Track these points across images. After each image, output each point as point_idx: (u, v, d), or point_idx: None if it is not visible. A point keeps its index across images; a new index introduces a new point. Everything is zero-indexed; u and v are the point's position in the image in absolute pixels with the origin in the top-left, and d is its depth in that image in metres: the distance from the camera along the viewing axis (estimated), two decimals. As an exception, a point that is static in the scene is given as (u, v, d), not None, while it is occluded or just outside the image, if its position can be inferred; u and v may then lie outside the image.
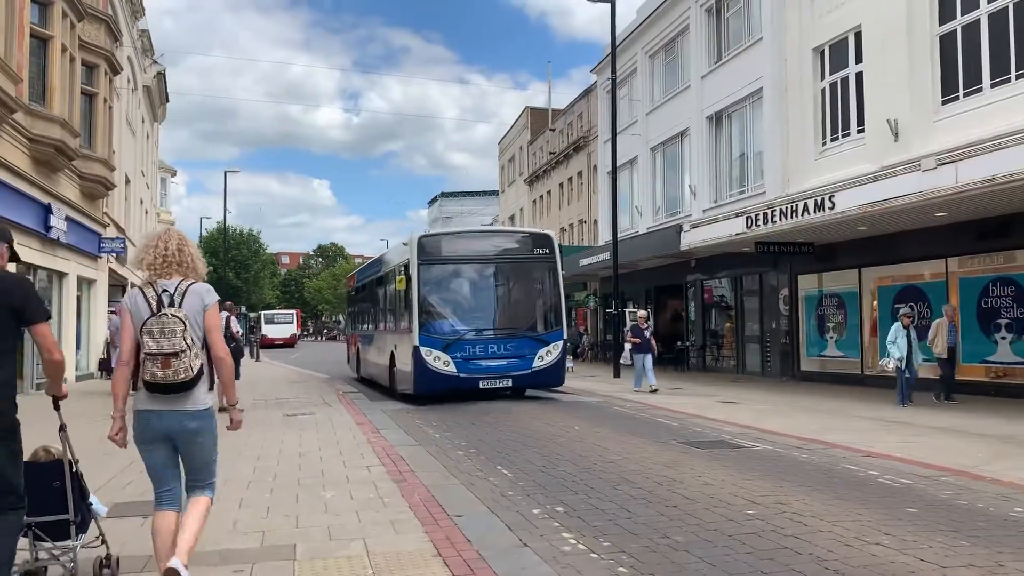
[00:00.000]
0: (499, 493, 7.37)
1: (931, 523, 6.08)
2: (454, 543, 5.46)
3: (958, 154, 12.62)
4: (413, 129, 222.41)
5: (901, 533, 5.79)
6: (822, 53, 19.95)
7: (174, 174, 56.00)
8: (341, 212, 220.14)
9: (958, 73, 15.90)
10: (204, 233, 70.37)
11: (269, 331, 59.92)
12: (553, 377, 16.02)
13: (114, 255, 25.56)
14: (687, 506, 6.71)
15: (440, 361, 15.12)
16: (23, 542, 4.27)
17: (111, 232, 25.69)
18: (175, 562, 4.02)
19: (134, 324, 4.22)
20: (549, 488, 7.54)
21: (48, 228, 17.82)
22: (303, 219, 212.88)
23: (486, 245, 16.61)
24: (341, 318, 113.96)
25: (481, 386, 15.30)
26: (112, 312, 21.42)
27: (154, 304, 4.18)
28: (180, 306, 4.19)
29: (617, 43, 24.16)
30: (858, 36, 18.47)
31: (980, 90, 15.35)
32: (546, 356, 15.72)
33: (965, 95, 15.71)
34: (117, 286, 29.04)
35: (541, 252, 16.36)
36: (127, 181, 30.40)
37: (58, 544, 4.47)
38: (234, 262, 72.54)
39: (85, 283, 23.10)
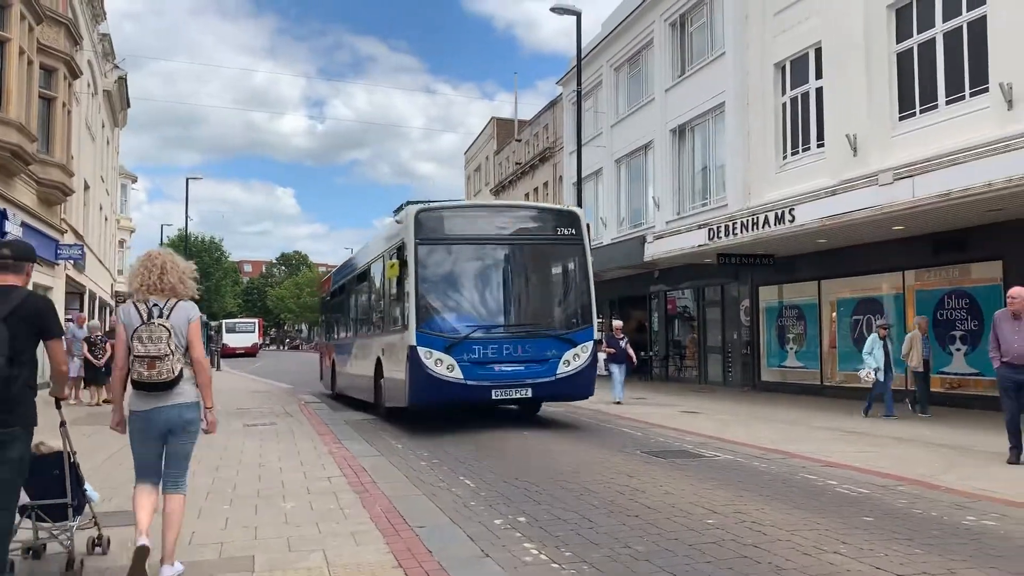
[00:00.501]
0: (461, 504, 7.35)
1: (887, 532, 6.18)
2: (415, 554, 5.43)
3: (914, 169, 12.90)
4: (379, 137, 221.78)
5: (858, 542, 5.87)
6: (783, 68, 20.28)
7: (135, 180, 55.30)
8: (305, 220, 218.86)
9: (915, 90, 16.26)
10: (165, 240, 69.42)
11: (230, 340, 59.27)
12: (581, 386, 13.11)
13: (71, 262, 25.11)
14: (648, 515, 6.75)
15: (443, 365, 12.16)
16: (26, 522, 5.10)
17: (69, 239, 25.24)
18: (167, 571, 4.83)
19: (126, 333, 4.89)
20: (512, 498, 7.53)
21: (3, 234, 17.45)
22: (266, 227, 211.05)
23: (499, 222, 13.44)
24: (304, 327, 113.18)
25: (493, 396, 12.36)
26: (69, 319, 21.03)
27: (144, 315, 4.88)
28: (167, 318, 4.89)
29: (583, 56, 24.36)
30: (818, 52, 18.80)
31: (936, 107, 15.70)
32: (573, 360, 12.77)
33: (921, 111, 16.06)
34: (75, 293, 28.51)
35: (566, 232, 13.39)
36: (86, 187, 29.91)
37: (57, 524, 5.15)
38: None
39: (41, 290, 22.64)
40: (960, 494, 7.60)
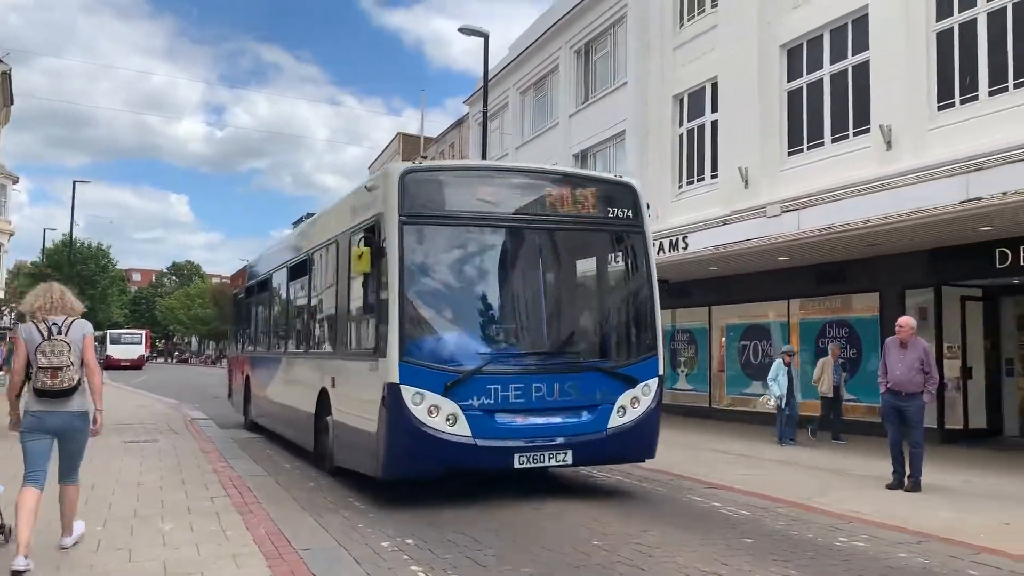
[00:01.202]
0: (349, 526, 7.22)
1: (765, 553, 6.39)
2: (298, 578, 5.29)
3: (800, 203, 13.51)
4: (280, 147, 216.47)
5: (737, 563, 6.05)
6: (681, 100, 20.93)
7: (16, 181, 52.61)
8: (200, 228, 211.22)
9: (803, 127, 17.03)
10: (48, 245, 66.18)
11: (115, 351, 56.87)
12: (641, 443, 8.96)
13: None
14: (538, 538, 6.78)
15: (439, 415, 7.97)
16: None
17: (-62, 240, 23.72)
18: (68, 540, 5.96)
19: (28, 348, 5.73)
20: (401, 521, 7.44)
21: None
22: (158, 235, 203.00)
23: (524, 195, 9.15)
24: (194, 340, 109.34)
25: (517, 465, 8.19)
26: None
27: (45, 332, 5.69)
28: (66, 335, 5.72)
29: (490, 77, 24.54)
30: (715, 87, 19.50)
31: (822, 144, 16.49)
32: (631, 406, 8.74)
33: (809, 148, 16.83)
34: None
35: (619, 214, 9.33)
36: (-40, 186, 28.24)
37: None
38: (79, 277, 68.44)
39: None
40: (834, 516, 7.93)
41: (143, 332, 66.58)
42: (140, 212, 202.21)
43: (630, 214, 9.39)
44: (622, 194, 9.49)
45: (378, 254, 8.54)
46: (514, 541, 6.64)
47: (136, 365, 58.28)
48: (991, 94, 13.26)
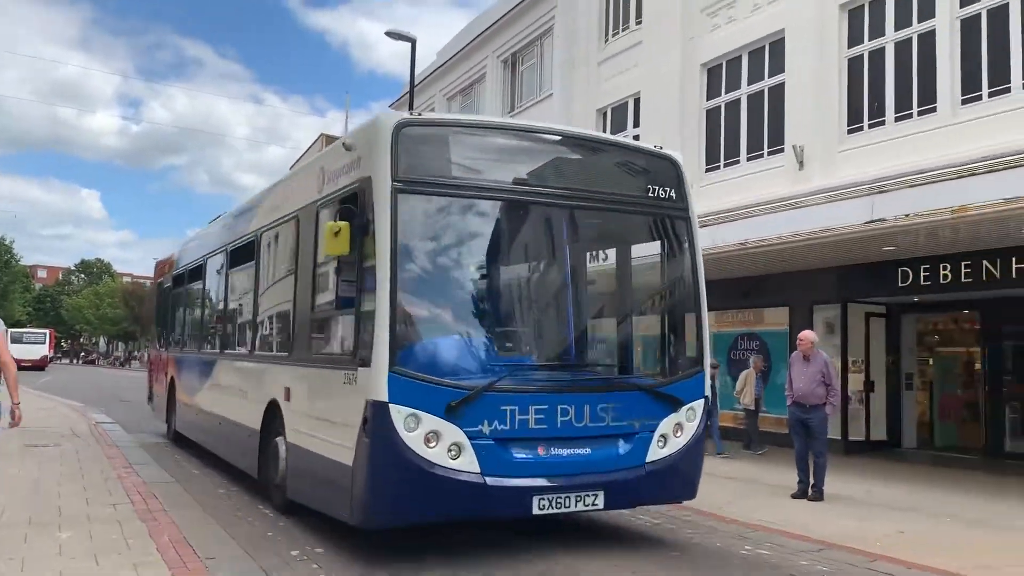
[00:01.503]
0: (259, 534, 7.08)
1: (672, 561, 6.52)
2: (202, 588, 5.16)
3: (717, 218, 13.83)
4: (199, 143, 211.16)
5: (646, 572, 6.16)
6: (605, 114, 21.24)
7: (-88, 170, 50.08)
8: (112, 226, 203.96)
9: (720, 144, 17.48)
10: (-55, 239, 62.97)
11: (15, 351, 54.07)
12: (681, 481, 7.29)
13: None
14: (448, 546, 6.76)
15: (440, 445, 6.16)
16: None
17: None
18: None
19: None
20: (312, 528, 7.32)
21: None
22: (67, 231, 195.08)
23: (546, 165, 7.25)
24: (102, 340, 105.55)
25: (536, 510, 6.42)
26: None
27: None
28: None
29: (416, 83, 24.47)
30: (637, 102, 19.85)
31: (738, 162, 16.95)
32: (674, 434, 7.13)
33: (726, 165, 17.28)
34: None
35: (659, 194, 7.60)
36: None
37: None
38: (-21, 273, 65.46)
39: None
40: (742, 525, 8.15)
41: (47, 332, 64.03)
42: (47, 206, 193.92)
43: (673, 194, 7.67)
44: (664, 169, 7.75)
45: (361, 231, 6.55)
46: (424, 550, 6.61)
47: (38, 366, 56.02)
48: (897, 120, 13.84)
